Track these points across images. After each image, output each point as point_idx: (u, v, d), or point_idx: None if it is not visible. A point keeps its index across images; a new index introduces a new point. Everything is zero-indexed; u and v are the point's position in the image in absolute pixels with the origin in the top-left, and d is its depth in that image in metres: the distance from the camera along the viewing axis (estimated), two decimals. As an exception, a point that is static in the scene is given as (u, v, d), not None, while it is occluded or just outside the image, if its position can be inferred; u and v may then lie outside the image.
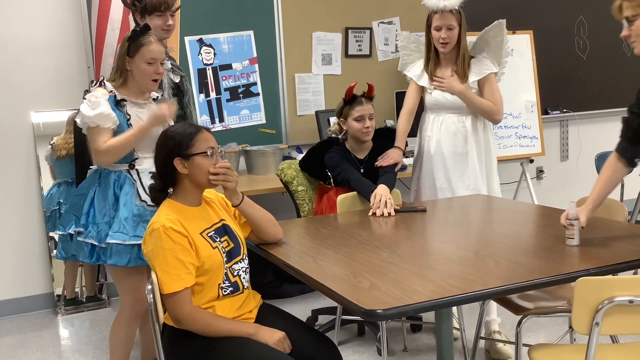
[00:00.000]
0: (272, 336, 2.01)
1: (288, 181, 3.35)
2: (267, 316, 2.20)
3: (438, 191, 3.31)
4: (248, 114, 4.48)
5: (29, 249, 4.12)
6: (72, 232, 2.61)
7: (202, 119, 4.26)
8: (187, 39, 4.24)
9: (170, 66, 3.07)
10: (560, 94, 5.46)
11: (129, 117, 2.62)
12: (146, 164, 2.64)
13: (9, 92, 4.00)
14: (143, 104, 2.69)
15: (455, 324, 3.10)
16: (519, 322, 2.40)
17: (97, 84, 2.65)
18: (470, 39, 3.36)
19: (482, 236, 2.46)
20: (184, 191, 2.12)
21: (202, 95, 4.31)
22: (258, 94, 4.50)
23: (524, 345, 2.36)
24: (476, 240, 2.38)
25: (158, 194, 2.15)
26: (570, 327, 2.70)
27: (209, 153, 2.09)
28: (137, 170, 2.63)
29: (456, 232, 2.52)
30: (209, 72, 4.34)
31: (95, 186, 2.64)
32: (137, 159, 2.64)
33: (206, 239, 2.07)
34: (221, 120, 4.38)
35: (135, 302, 2.64)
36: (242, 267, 2.17)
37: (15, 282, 4.09)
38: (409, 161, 4.02)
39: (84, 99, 2.60)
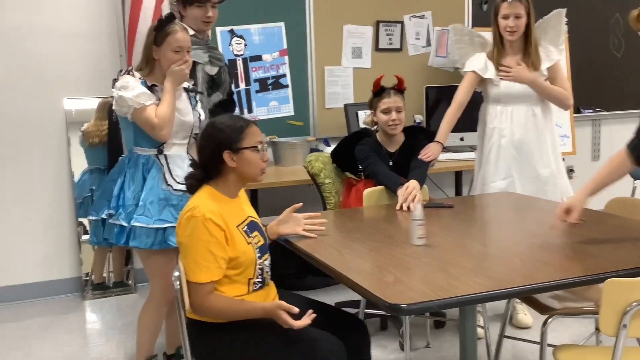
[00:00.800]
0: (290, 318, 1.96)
1: (315, 173, 3.35)
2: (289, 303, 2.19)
3: (516, 181, 3.30)
4: (277, 106, 4.49)
5: (59, 233, 4.19)
6: (105, 217, 2.64)
7: (231, 109, 4.28)
8: (218, 29, 4.26)
9: (207, 59, 3.08)
10: (593, 92, 5.37)
11: (159, 102, 2.64)
12: (174, 150, 2.68)
13: (42, 79, 4.06)
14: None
15: (480, 322, 3.09)
16: (545, 322, 2.38)
17: (125, 73, 2.68)
18: None
19: (509, 234, 2.44)
20: (227, 182, 2.12)
21: (232, 86, 4.33)
22: (287, 86, 4.50)
23: (549, 345, 2.34)
24: (503, 238, 2.36)
25: (196, 183, 2.14)
26: (597, 328, 2.66)
27: (258, 148, 2.11)
28: (165, 155, 2.67)
29: (483, 230, 2.51)
30: (239, 63, 4.36)
31: (125, 171, 2.67)
32: (165, 144, 2.67)
33: (242, 234, 2.08)
34: (250, 111, 4.40)
35: (165, 289, 2.65)
36: (268, 263, 2.19)
37: (45, 265, 4.17)
38: (452, 156, 4.06)
39: (114, 88, 2.63)
